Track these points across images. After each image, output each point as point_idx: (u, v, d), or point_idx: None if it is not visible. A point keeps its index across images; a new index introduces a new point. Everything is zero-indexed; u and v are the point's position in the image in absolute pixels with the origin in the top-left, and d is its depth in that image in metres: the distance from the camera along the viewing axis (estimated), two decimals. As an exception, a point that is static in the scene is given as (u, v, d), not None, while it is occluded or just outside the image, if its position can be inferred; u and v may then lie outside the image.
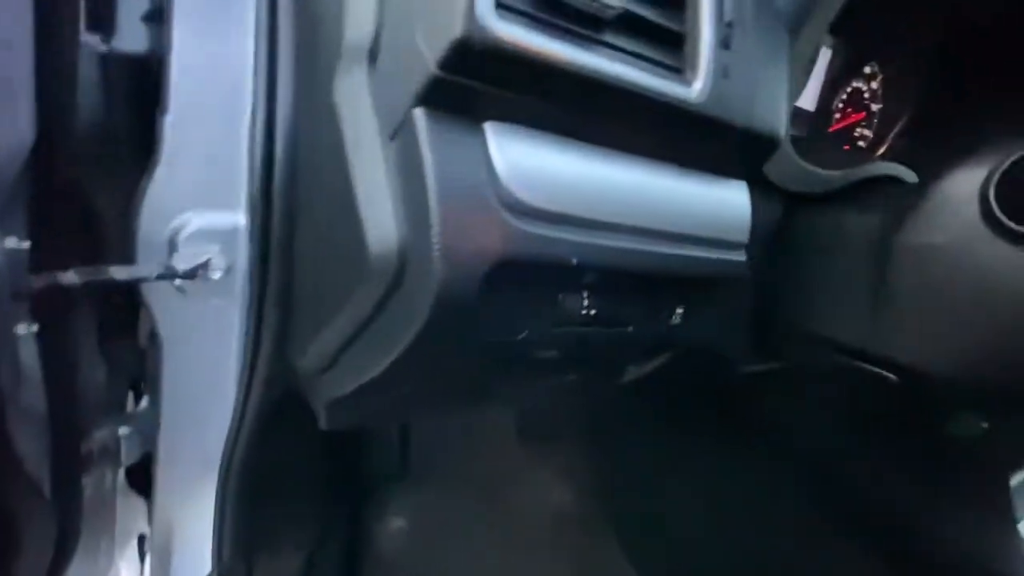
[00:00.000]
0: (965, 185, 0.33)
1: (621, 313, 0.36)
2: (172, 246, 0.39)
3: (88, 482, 0.47)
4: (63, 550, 0.41)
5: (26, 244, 0.31)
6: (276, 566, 0.63)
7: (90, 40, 0.32)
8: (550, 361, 0.37)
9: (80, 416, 0.42)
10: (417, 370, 0.32)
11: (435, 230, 0.26)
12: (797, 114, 0.52)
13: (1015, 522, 0.53)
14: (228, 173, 0.39)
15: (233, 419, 0.45)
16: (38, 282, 0.32)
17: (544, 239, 0.30)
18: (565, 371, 0.42)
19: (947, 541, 0.55)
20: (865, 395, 0.55)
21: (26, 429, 0.36)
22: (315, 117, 0.30)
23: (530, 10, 0.26)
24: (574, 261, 0.30)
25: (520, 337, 0.33)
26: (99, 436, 0.46)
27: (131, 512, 0.53)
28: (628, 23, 0.29)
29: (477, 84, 0.27)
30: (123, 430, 0.47)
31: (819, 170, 0.43)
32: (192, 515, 0.51)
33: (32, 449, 0.37)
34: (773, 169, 0.41)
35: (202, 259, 0.40)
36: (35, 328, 0.33)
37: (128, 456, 0.49)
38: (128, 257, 0.38)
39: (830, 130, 0.54)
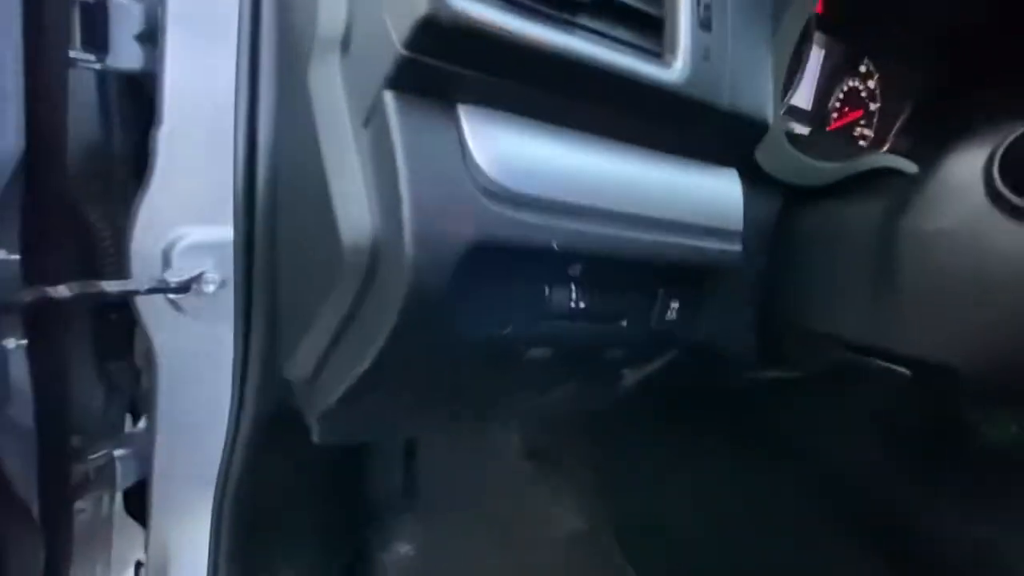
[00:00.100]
0: (968, 168, 0.32)
1: (612, 307, 0.35)
2: (166, 260, 0.40)
3: (82, 506, 0.46)
4: (53, 576, 0.40)
5: (15, 256, 0.31)
6: (276, 595, 0.61)
7: (84, 58, 0.33)
8: (544, 363, 0.36)
9: (73, 436, 0.41)
10: (400, 371, 0.31)
11: (406, 214, 0.26)
12: (793, 111, 0.52)
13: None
14: (222, 187, 0.39)
15: (227, 438, 0.44)
16: (28, 295, 0.32)
17: (521, 223, 0.29)
18: (561, 376, 0.41)
19: (972, 551, 0.51)
20: (881, 400, 0.53)
21: (14, 447, 0.35)
22: (294, 119, 0.30)
23: None
24: (554, 245, 0.30)
25: (506, 332, 0.32)
26: (94, 458, 0.45)
27: (129, 538, 0.52)
28: (605, 6, 0.29)
29: (448, 65, 0.26)
30: (119, 452, 0.47)
31: (818, 163, 0.42)
32: (188, 541, 0.50)
33: (20, 468, 0.36)
34: (771, 163, 0.40)
35: (195, 273, 0.40)
36: (24, 342, 0.33)
37: (124, 479, 0.48)
38: (122, 272, 0.38)
39: (828, 129, 0.54)
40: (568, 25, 0.28)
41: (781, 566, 0.64)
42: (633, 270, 0.35)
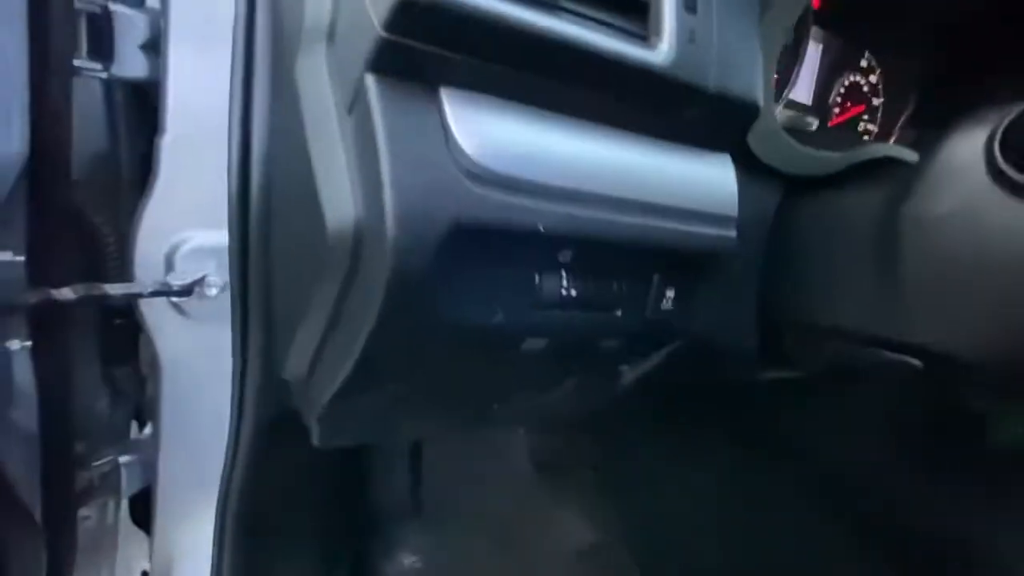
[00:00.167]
0: (968, 149, 0.32)
1: (606, 295, 0.35)
2: (169, 264, 0.40)
3: (87, 513, 0.46)
4: (55, 582, 0.40)
5: (20, 258, 0.32)
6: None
7: (90, 67, 0.34)
8: (540, 357, 0.35)
9: (78, 442, 0.41)
10: (392, 363, 0.31)
11: (387, 196, 0.26)
12: (793, 106, 0.51)
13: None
14: (224, 192, 0.40)
15: (228, 443, 0.44)
16: (33, 297, 0.33)
17: (505, 205, 0.29)
18: (559, 372, 0.40)
19: (974, 550, 0.49)
20: (885, 399, 0.51)
21: (17, 450, 0.35)
22: (285, 117, 0.31)
23: None
24: (540, 228, 0.29)
25: (497, 320, 0.31)
26: (99, 465, 0.45)
27: (135, 546, 0.52)
28: None
29: (429, 48, 0.27)
30: (124, 459, 0.47)
31: (818, 153, 0.41)
32: (192, 549, 0.50)
33: (23, 472, 0.37)
34: (768, 153, 0.40)
35: (198, 276, 0.41)
36: (28, 344, 0.34)
37: (130, 486, 0.48)
38: (126, 276, 0.39)
39: (830, 124, 0.53)
40: (552, 7, 0.28)
41: (788, 567, 0.62)
42: (625, 256, 0.34)
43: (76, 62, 0.32)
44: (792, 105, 0.51)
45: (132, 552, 0.52)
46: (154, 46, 0.36)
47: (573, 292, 0.33)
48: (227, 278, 0.41)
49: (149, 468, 0.47)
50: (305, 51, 0.29)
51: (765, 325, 0.45)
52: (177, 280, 0.40)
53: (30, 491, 0.39)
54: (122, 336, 0.44)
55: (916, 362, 0.35)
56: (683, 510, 0.77)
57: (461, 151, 0.28)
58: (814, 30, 0.50)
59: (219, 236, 0.41)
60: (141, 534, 0.52)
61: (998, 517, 0.48)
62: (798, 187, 0.42)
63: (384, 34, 0.26)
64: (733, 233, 0.38)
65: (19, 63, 0.27)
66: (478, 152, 0.28)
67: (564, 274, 0.32)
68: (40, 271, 0.33)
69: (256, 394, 0.40)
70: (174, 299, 0.41)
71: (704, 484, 0.75)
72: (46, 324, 0.34)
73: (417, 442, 0.74)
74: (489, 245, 0.29)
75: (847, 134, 0.55)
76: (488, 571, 0.75)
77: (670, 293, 0.37)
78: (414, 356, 0.31)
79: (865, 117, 0.54)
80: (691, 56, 0.32)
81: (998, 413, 0.45)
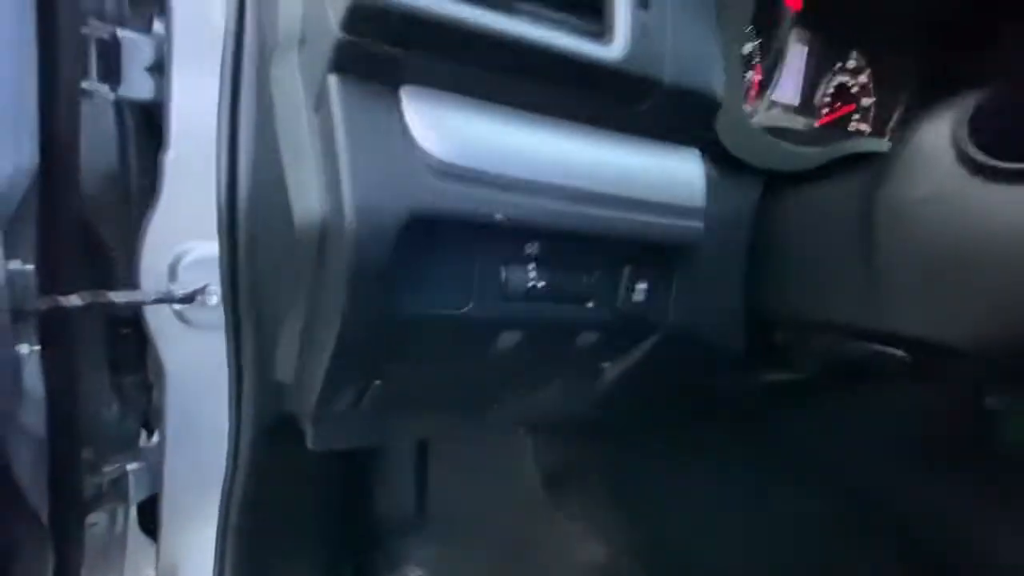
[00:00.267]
0: (938, 136, 0.32)
1: (575, 287, 0.35)
2: (172, 274, 0.42)
3: (95, 519, 0.48)
4: (61, 587, 0.41)
5: (30, 267, 0.33)
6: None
7: (99, 88, 0.36)
8: (517, 352, 0.35)
9: (86, 448, 0.43)
10: (367, 356, 0.31)
11: (346, 188, 0.27)
12: (779, 106, 0.52)
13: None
14: (225, 205, 0.42)
15: (228, 451, 0.45)
16: (43, 303, 0.34)
17: (463, 196, 0.30)
18: (540, 369, 0.40)
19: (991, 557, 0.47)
20: (902, 403, 0.50)
21: (26, 454, 0.37)
22: (264, 125, 0.32)
23: None
24: (498, 217, 0.30)
25: (466, 311, 0.32)
26: (107, 471, 0.47)
27: (143, 554, 0.53)
28: None
29: (387, 48, 0.28)
30: (132, 466, 0.48)
31: (795, 148, 0.41)
32: (196, 556, 0.51)
33: (31, 475, 0.38)
34: (744, 150, 0.40)
35: (199, 285, 0.42)
36: (38, 348, 0.35)
37: (137, 493, 0.50)
38: (132, 286, 0.41)
39: (819, 123, 0.53)
40: (506, 8, 0.30)
41: None
42: (592, 248, 0.35)
43: (86, 84, 0.35)
44: (779, 105, 0.51)
45: (140, 559, 0.53)
46: (159, 69, 0.38)
47: (541, 283, 0.33)
48: (227, 287, 0.43)
49: (157, 475, 0.49)
50: (279, 59, 0.31)
51: (756, 324, 0.45)
52: (179, 289, 0.41)
53: (39, 495, 0.40)
54: (130, 345, 0.46)
55: (902, 354, 0.34)
56: (695, 523, 0.75)
57: (419, 146, 0.29)
58: (798, 31, 0.50)
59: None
60: (149, 541, 0.53)
61: (1007, 520, 0.46)
62: (778, 183, 0.43)
63: (342, 35, 0.27)
64: (700, 224, 0.38)
65: (29, 86, 0.30)
66: (436, 146, 0.29)
67: (532, 265, 0.33)
68: (49, 280, 0.35)
69: (252, 400, 0.42)
70: (177, 307, 0.42)
71: (716, 495, 0.73)
72: (55, 330, 0.36)
73: (422, 453, 0.74)
74: (452, 236, 0.31)
75: (838, 134, 0.55)
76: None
77: (642, 285, 0.38)
78: (389, 348, 0.32)
79: (856, 116, 0.55)
80: (644, 51, 0.33)
81: (1009, 413, 0.43)
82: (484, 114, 0.32)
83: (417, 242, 0.29)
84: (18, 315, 0.34)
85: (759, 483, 0.68)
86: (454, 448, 0.79)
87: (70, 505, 0.43)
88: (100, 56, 0.36)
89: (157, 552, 0.51)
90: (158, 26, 0.38)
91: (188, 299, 0.41)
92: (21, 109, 0.30)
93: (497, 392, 0.42)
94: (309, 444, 0.40)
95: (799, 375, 0.49)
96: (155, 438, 0.51)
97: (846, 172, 0.39)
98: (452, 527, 0.77)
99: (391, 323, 0.30)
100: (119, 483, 0.48)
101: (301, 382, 0.35)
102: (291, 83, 0.30)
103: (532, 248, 0.33)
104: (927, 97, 0.40)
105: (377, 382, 0.34)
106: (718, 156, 0.40)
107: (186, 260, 0.42)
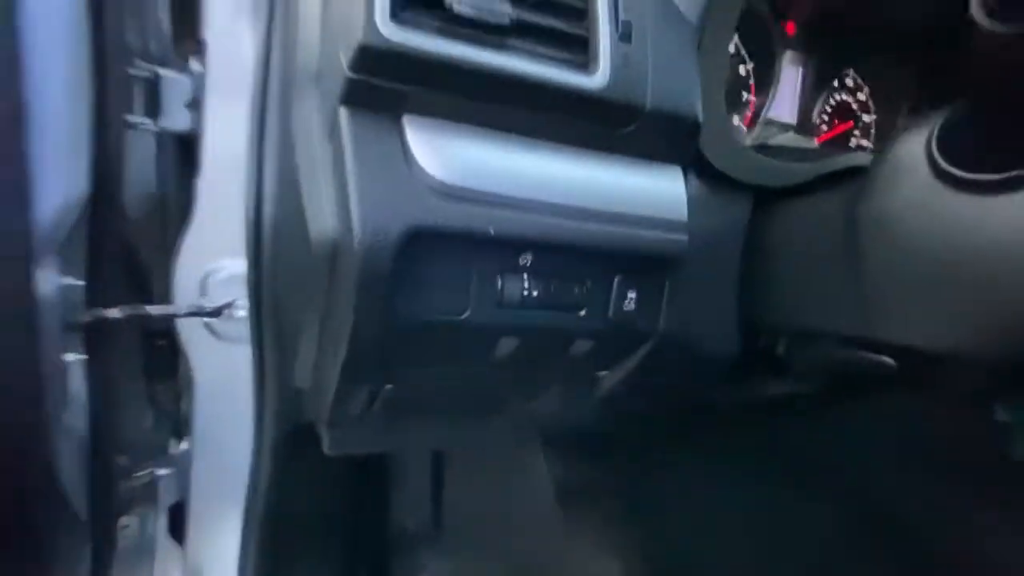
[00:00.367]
0: (913, 149, 0.33)
1: (567, 296, 0.37)
2: (203, 289, 0.46)
3: (127, 522, 0.50)
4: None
5: (80, 283, 0.37)
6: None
7: (143, 122, 0.40)
8: (516, 358, 0.37)
9: (121, 451, 0.46)
10: (376, 361, 0.34)
11: (354, 207, 0.30)
12: (776, 125, 0.53)
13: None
14: (251, 226, 0.46)
15: (252, 456, 0.48)
16: (88, 316, 0.38)
17: (459, 212, 0.33)
18: (539, 376, 0.42)
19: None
20: (915, 415, 0.50)
21: (68, 454, 0.40)
22: (287, 148, 0.36)
23: (429, 19, 0.31)
24: (491, 231, 0.33)
25: (465, 317, 0.34)
26: (139, 476, 0.50)
27: (173, 559, 0.56)
28: (529, 28, 0.33)
29: (390, 83, 0.32)
30: (161, 471, 0.51)
31: (783, 164, 0.43)
32: (221, 561, 0.53)
33: (73, 476, 0.41)
34: (731, 166, 0.42)
35: (228, 300, 0.46)
36: (84, 357, 0.39)
37: (166, 498, 0.52)
38: (166, 300, 0.44)
39: (818, 140, 0.55)
40: (497, 45, 0.33)
41: None
42: (582, 259, 0.37)
43: (131, 118, 0.39)
44: (776, 124, 0.53)
45: (171, 563, 0.56)
46: (195, 104, 0.42)
47: (535, 292, 0.36)
48: (254, 301, 0.46)
49: (184, 481, 0.52)
50: (299, 94, 0.35)
51: (748, 332, 0.46)
52: (209, 303, 0.45)
53: (79, 497, 0.43)
54: (163, 357, 0.49)
55: (890, 361, 0.35)
56: (708, 539, 0.75)
57: (420, 168, 0.33)
58: (791, 54, 0.52)
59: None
60: (178, 545, 0.55)
61: (1007, 520, 0.45)
62: (769, 197, 0.44)
63: (350, 74, 0.31)
64: (683, 237, 0.40)
65: (82, 121, 0.34)
66: (437, 169, 0.33)
67: (525, 276, 0.36)
68: (95, 294, 0.38)
69: (274, 406, 0.44)
70: (207, 320, 0.46)
71: (729, 510, 0.73)
72: (98, 340, 0.39)
73: (438, 466, 0.76)
74: (452, 249, 0.34)
75: (838, 151, 0.56)
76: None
77: (631, 294, 0.40)
78: (397, 353, 0.35)
79: (856, 133, 0.56)
80: (626, 79, 0.36)
81: (1019, 425, 0.43)
82: (480, 139, 0.35)
83: (419, 255, 0.32)
84: (68, 326, 0.37)
85: (771, 497, 0.68)
86: (470, 463, 0.80)
87: (106, 507, 0.46)
88: (144, 93, 0.40)
89: (184, 555, 0.53)
90: (195, 65, 0.43)
91: (217, 312, 0.44)
92: (75, 142, 0.34)
93: (500, 398, 0.44)
94: (326, 449, 0.42)
95: (801, 385, 0.50)
96: (184, 445, 0.54)
97: (833, 186, 0.41)
98: (467, 540, 0.78)
99: (397, 328, 0.33)
100: (150, 488, 0.51)
101: (318, 387, 0.37)
102: (308, 115, 0.33)
103: (525, 260, 0.36)
104: (929, 112, 0.41)
105: (387, 386, 0.37)
106: (707, 173, 0.42)
107: (216, 276, 0.45)
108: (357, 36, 0.30)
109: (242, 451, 0.49)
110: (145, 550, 0.53)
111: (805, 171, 0.43)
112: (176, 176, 0.44)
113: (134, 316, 0.40)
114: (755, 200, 0.44)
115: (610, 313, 0.39)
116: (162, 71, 0.41)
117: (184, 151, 0.44)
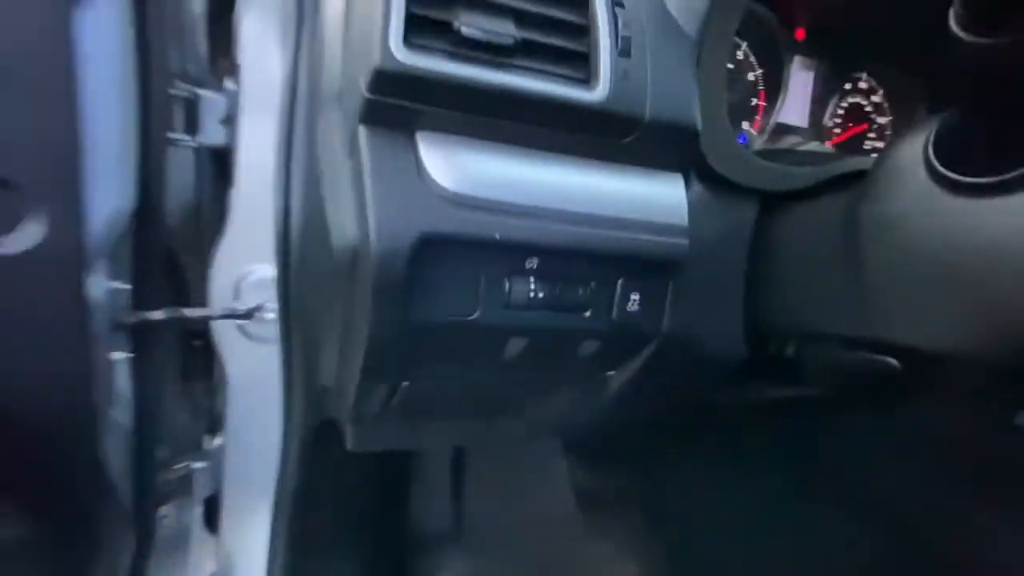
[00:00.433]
0: (911, 153, 0.34)
1: (572, 297, 0.39)
2: (236, 293, 0.49)
3: (165, 511, 0.54)
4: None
5: (127, 286, 0.40)
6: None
7: (182, 138, 0.44)
8: (525, 358, 0.39)
9: (161, 445, 0.49)
10: (393, 359, 0.36)
11: (371, 216, 0.33)
12: (787, 129, 0.54)
13: None
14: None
15: (280, 451, 0.51)
16: (133, 317, 0.41)
17: (468, 220, 0.35)
18: (551, 375, 0.43)
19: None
20: (932, 417, 0.49)
21: (114, 447, 0.43)
22: (312, 162, 0.39)
23: (440, 42, 0.34)
24: (496, 236, 0.35)
25: (475, 317, 0.36)
26: (176, 468, 0.53)
27: (207, 548, 0.59)
28: (533, 47, 0.35)
29: (405, 103, 0.34)
30: (197, 465, 0.54)
31: (786, 168, 0.44)
32: (252, 551, 0.56)
33: (119, 467, 0.44)
34: (734, 171, 0.43)
35: (259, 303, 0.49)
36: (129, 355, 0.42)
37: (201, 491, 0.56)
38: (203, 303, 0.48)
39: (829, 144, 0.55)
40: (503, 64, 0.35)
41: None
42: (584, 263, 0.39)
43: (172, 135, 0.42)
44: (787, 129, 0.54)
45: (206, 554, 0.59)
46: (230, 121, 0.46)
47: (541, 294, 0.38)
48: (283, 304, 0.49)
49: (218, 474, 0.55)
50: (323, 112, 0.37)
51: (755, 334, 0.46)
52: (242, 306, 0.48)
53: (124, 486, 0.46)
54: (199, 356, 0.52)
55: (894, 362, 0.36)
56: (730, 544, 0.74)
57: (432, 180, 0.35)
58: (801, 59, 0.53)
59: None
60: (212, 536, 0.58)
61: (1008, 521, 0.44)
62: (774, 201, 0.45)
63: (368, 95, 0.34)
64: (684, 241, 0.42)
65: (129, 138, 0.37)
66: (447, 180, 0.35)
67: (531, 279, 0.38)
68: (141, 297, 0.42)
69: (301, 404, 0.47)
70: (239, 322, 0.49)
71: (753, 517, 0.73)
72: (142, 340, 0.43)
73: (458, 467, 0.77)
74: (462, 254, 0.36)
75: (852, 154, 0.56)
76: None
77: (635, 296, 0.41)
78: (412, 351, 0.37)
79: (871, 135, 0.56)
80: (625, 92, 0.37)
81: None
82: (487, 152, 0.37)
83: (431, 259, 0.35)
84: (116, 326, 0.40)
85: (793, 503, 0.67)
86: (489, 466, 0.82)
87: (147, 498, 0.49)
88: (184, 111, 0.43)
89: (217, 546, 0.56)
90: (230, 85, 0.46)
91: (248, 315, 0.47)
92: (123, 158, 0.37)
93: (514, 397, 0.46)
94: (348, 445, 0.44)
95: (812, 388, 0.50)
96: (217, 440, 0.57)
97: (836, 190, 0.41)
98: (487, 543, 0.79)
99: (411, 328, 0.35)
100: (186, 480, 0.54)
101: (340, 384, 0.40)
102: (331, 132, 0.36)
103: (531, 263, 0.38)
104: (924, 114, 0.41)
105: (405, 383, 0.39)
106: (709, 178, 0.43)
107: (248, 281, 0.48)
108: (373, 61, 0.33)
109: (272, 446, 0.52)
110: (181, 539, 0.56)
111: (809, 175, 0.43)
112: (212, 188, 0.48)
113: (174, 318, 0.43)
114: (761, 204, 0.45)
115: (614, 314, 0.41)
116: (200, 91, 0.44)
117: (219, 164, 0.48)
